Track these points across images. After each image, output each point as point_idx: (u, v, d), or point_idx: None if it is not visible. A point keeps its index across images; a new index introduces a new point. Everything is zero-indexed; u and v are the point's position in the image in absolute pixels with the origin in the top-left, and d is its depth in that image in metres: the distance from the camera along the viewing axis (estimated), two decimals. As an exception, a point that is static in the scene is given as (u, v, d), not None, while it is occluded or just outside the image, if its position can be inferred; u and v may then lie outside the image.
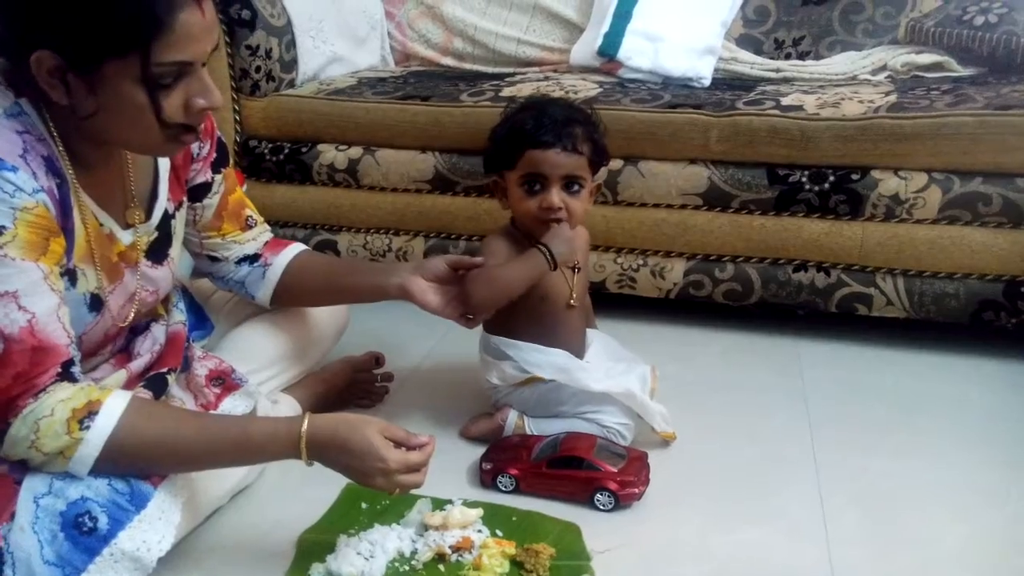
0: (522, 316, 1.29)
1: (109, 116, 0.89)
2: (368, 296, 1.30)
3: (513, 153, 1.24)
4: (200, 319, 1.31)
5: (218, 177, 1.20)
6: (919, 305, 1.63)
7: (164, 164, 1.10)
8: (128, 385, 1.06)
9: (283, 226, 1.93)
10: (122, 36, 0.84)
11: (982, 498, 1.19)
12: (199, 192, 1.18)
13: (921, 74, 1.93)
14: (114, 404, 0.90)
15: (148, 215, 1.08)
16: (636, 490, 1.15)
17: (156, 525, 0.92)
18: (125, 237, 1.04)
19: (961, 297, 1.60)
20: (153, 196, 1.09)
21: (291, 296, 1.28)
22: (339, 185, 1.91)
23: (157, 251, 1.10)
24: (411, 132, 1.83)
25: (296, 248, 1.30)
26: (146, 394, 1.03)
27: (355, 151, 1.89)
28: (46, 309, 0.87)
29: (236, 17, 1.84)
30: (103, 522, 0.88)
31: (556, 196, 1.23)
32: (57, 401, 0.87)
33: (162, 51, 0.85)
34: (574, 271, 1.33)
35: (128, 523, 0.90)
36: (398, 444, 0.97)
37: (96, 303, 1.00)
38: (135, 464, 0.92)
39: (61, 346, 0.89)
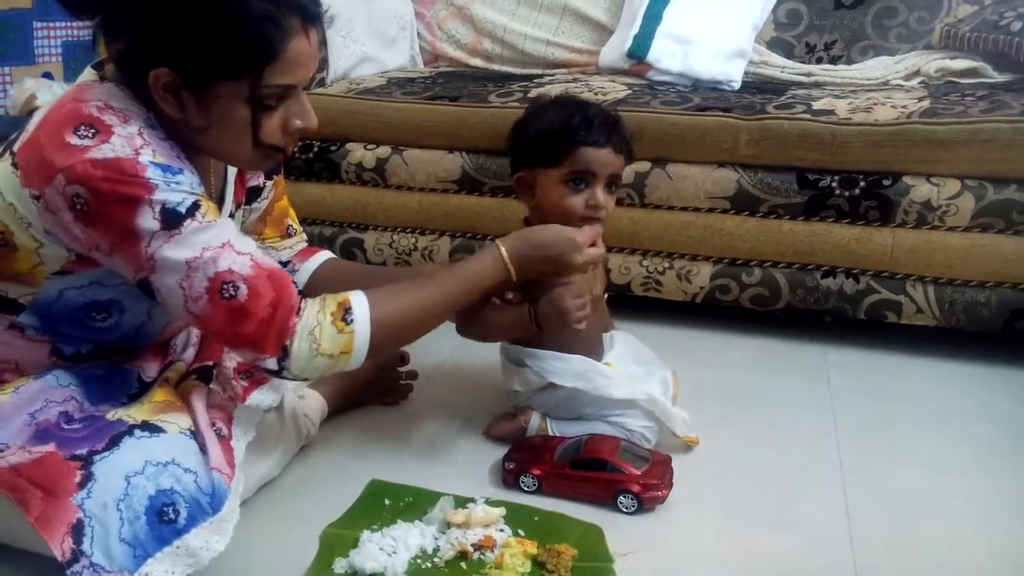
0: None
1: (216, 132, 0.95)
2: None
3: (560, 150, 1.23)
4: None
5: (269, 184, 1.25)
6: (950, 313, 1.60)
7: (232, 168, 1.15)
8: (184, 375, 1.11)
9: (311, 224, 1.95)
10: (239, 60, 0.90)
11: (1011, 509, 1.17)
12: (251, 195, 1.23)
13: (955, 80, 1.91)
14: (358, 296, 1.01)
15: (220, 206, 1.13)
16: (659, 493, 1.15)
17: (221, 527, 0.94)
18: None
19: (993, 306, 1.58)
20: (221, 197, 1.13)
21: None
22: (367, 184, 1.92)
23: None
24: (439, 132, 1.84)
25: (324, 255, 1.33)
26: (200, 385, 1.09)
27: (383, 150, 1.90)
28: (255, 247, 0.96)
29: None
30: (183, 516, 0.91)
31: (602, 194, 1.23)
32: (315, 312, 0.97)
33: (272, 75, 0.92)
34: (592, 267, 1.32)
35: (202, 522, 0.92)
36: None
37: None
38: (400, 334, 1.06)
39: (284, 271, 0.98)
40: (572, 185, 1.23)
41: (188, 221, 0.90)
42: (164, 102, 0.92)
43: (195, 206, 0.91)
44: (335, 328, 0.97)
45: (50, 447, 0.91)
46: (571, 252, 1.14)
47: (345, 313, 0.98)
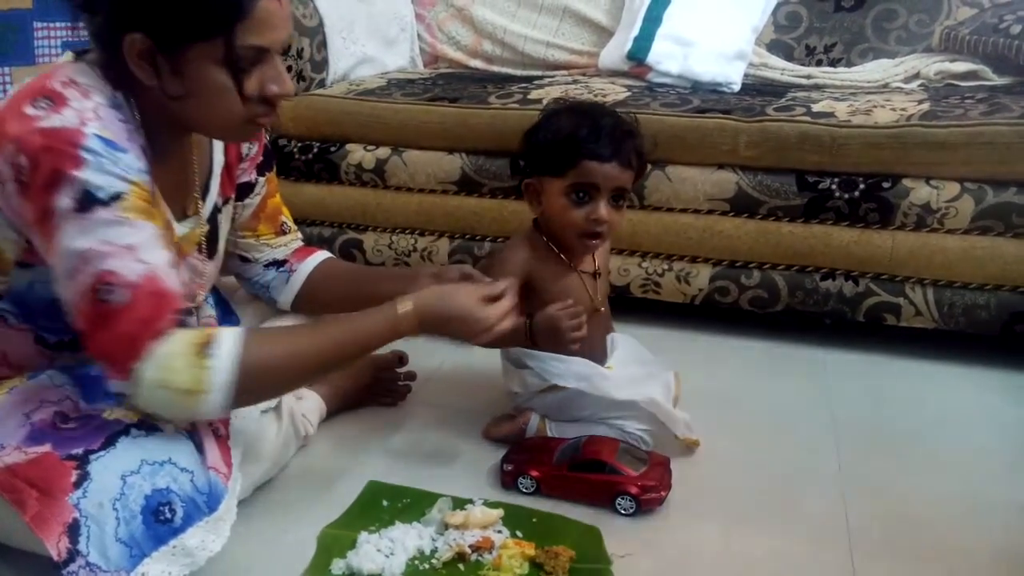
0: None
1: (195, 99, 0.94)
2: None
3: (564, 161, 1.21)
4: (227, 314, 1.32)
5: (261, 180, 1.25)
6: (949, 316, 1.60)
7: (218, 160, 1.15)
8: None
9: (310, 225, 1.95)
10: (208, 19, 0.89)
11: (1012, 512, 1.17)
12: (242, 192, 1.23)
13: (955, 82, 1.91)
14: (228, 333, 0.93)
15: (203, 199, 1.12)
16: (658, 495, 1.14)
17: (218, 526, 0.94)
18: (180, 229, 1.08)
19: (992, 309, 1.57)
20: (205, 189, 1.13)
21: (312, 301, 1.31)
22: (366, 185, 1.92)
23: (209, 244, 1.14)
24: (438, 133, 1.84)
25: (321, 255, 1.33)
26: None
27: (383, 151, 1.90)
28: (163, 261, 0.92)
29: (269, 17, 1.86)
30: (179, 515, 0.91)
31: (604, 209, 1.22)
32: (180, 341, 0.90)
33: (243, 35, 0.91)
34: (594, 277, 1.32)
35: (198, 522, 0.92)
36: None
37: None
38: (270, 384, 0.98)
39: (176, 295, 0.92)
40: (575, 197, 1.22)
41: (100, 209, 0.87)
42: (139, 68, 0.91)
43: (116, 196, 0.88)
44: (190, 361, 0.90)
45: (46, 447, 0.91)
46: (475, 333, 1.07)
47: (208, 347, 0.91)
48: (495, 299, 1.09)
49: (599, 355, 1.33)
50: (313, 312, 1.33)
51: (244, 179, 1.22)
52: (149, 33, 0.89)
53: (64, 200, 0.87)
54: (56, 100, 0.89)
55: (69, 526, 0.86)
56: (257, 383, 0.95)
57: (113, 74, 0.94)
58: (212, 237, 1.15)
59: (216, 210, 1.15)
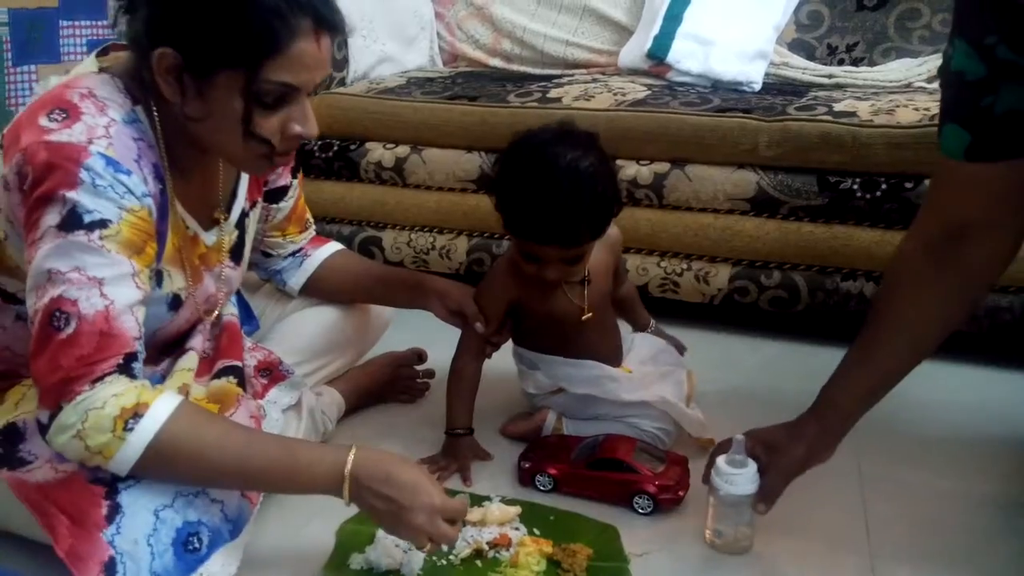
0: (540, 331, 1.29)
1: (212, 123, 0.93)
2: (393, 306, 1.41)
3: (513, 227, 1.18)
4: (247, 316, 1.34)
5: (295, 181, 1.26)
6: (971, 318, 1.59)
7: None
8: (200, 372, 1.09)
9: (329, 222, 1.96)
10: (240, 48, 0.88)
11: (1033, 516, 1.16)
12: (278, 194, 1.24)
13: (979, 82, 1.88)
14: (161, 408, 0.88)
15: (228, 213, 1.12)
16: (675, 495, 1.14)
17: (236, 550, 0.95)
18: (208, 238, 1.08)
19: (1016, 311, 1.56)
20: (232, 195, 1.13)
21: (320, 289, 1.33)
22: (386, 183, 1.93)
23: (237, 251, 1.15)
24: (458, 132, 1.85)
25: (335, 246, 1.35)
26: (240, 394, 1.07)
27: (402, 150, 1.91)
28: (125, 301, 0.89)
29: (290, 15, 1.87)
30: (205, 544, 0.92)
31: (553, 271, 1.19)
32: (110, 395, 0.86)
33: (272, 71, 0.90)
34: (582, 284, 1.27)
35: (221, 547, 0.93)
36: None
37: (176, 303, 1.04)
38: (171, 473, 0.91)
39: (129, 338, 0.89)
40: (524, 255, 1.20)
41: (81, 233, 0.86)
42: (164, 83, 0.90)
43: (102, 223, 0.87)
44: (111, 423, 0.85)
45: (74, 464, 0.91)
46: (419, 508, 0.92)
47: (132, 418, 0.86)
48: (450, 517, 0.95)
49: (608, 356, 1.33)
50: (319, 298, 1.34)
51: (281, 183, 1.23)
52: (180, 50, 0.89)
53: (52, 216, 0.85)
54: (70, 113, 0.88)
55: (106, 564, 0.86)
56: (168, 467, 0.90)
57: (137, 84, 0.94)
58: (239, 242, 1.15)
59: (243, 215, 1.15)
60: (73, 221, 0.86)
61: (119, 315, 0.88)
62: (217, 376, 1.10)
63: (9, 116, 2.16)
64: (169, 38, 0.89)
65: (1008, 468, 1.28)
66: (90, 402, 0.85)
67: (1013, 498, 1.20)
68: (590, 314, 1.28)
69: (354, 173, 1.94)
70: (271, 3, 0.88)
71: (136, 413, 0.87)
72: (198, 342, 1.11)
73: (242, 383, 1.11)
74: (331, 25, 0.93)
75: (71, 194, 0.85)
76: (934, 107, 1.62)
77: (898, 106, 1.64)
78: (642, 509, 1.14)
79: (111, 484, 0.90)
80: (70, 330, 0.85)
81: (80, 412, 0.85)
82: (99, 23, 2.35)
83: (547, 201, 1.12)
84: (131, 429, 0.86)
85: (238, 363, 1.13)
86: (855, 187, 1.61)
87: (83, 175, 0.86)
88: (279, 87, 0.91)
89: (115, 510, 0.89)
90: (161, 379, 1.05)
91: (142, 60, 0.92)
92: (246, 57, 0.89)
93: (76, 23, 2.28)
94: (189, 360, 1.07)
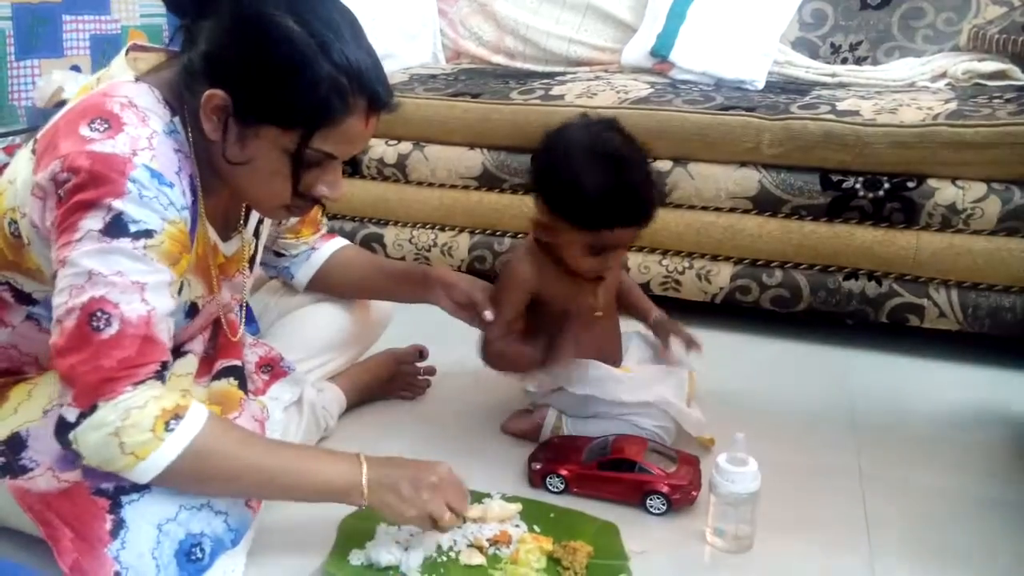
0: (548, 328, 1.29)
1: (248, 170, 0.94)
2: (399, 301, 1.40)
3: (592, 221, 1.16)
4: (248, 318, 1.33)
5: None
6: (973, 318, 1.59)
7: None
8: (200, 372, 1.09)
9: (332, 218, 1.96)
10: (295, 114, 0.89)
11: (1034, 517, 1.16)
12: None
13: (983, 82, 1.88)
14: (199, 413, 0.90)
15: (245, 224, 1.12)
16: (689, 495, 1.14)
17: (238, 555, 0.96)
18: (227, 248, 1.08)
19: (1018, 311, 1.56)
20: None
21: (326, 283, 1.33)
22: (388, 180, 1.93)
23: (251, 259, 1.16)
24: (460, 129, 1.85)
25: (342, 241, 1.36)
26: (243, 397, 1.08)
27: (404, 146, 1.91)
28: (164, 309, 0.89)
29: (293, 11, 1.87)
30: (207, 553, 0.93)
31: (616, 260, 1.22)
32: (151, 396, 0.86)
33: (320, 140, 0.91)
34: (597, 281, 1.28)
35: (223, 554, 0.94)
36: None
37: (193, 311, 1.05)
38: (196, 478, 0.91)
39: (166, 346, 0.90)
40: (592, 250, 1.20)
41: (126, 240, 0.86)
42: (207, 121, 0.91)
43: (147, 233, 0.87)
44: (152, 423, 0.86)
45: (76, 474, 0.91)
46: (425, 484, 0.97)
47: (173, 419, 0.87)
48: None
49: (611, 356, 1.33)
50: (325, 293, 1.35)
51: None
52: (233, 95, 0.89)
53: (94, 220, 0.85)
54: (113, 123, 0.88)
55: None
56: (197, 473, 0.90)
57: (175, 97, 0.94)
58: (254, 250, 1.16)
59: (259, 222, 1.16)
60: (119, 228, 0.86)
61: (159, 323, 0.89)
62: (217, 377, 1.10)
63: (12, 110, 2.16)
64: (224, 81, 0.88)
65: (1008, 468, 1.28)
66: (132, 402, 0.86)
67: (1013, 498, 1.20)
68: (600, 312, 1.29)
69: (356, 170, 1.94)
70: (334, 78, 0.88)
71: (176, 415, 0.88)
72: (197, 344, 1.11)
73: (243, 383, 1.11)
74: (386, 108, 0.95)
75: (117, 203, 0.85)
76: (937, 106, 1.62)
77: (901, 105, 1.64)
78: (655, 510, 1.13)
79: (114, 497, 0.90)
80: (112, 331, 0.85)
81: (121, 411, 0.85)
82: (102, 18, 2.35)
83: (621, 183, 1.14)
84: (172, 430, 0.87)
85: (238, 362, 1.13)
86: (858, 186, 1.61)
87: (129, 186, 0.86)
88: (320, 155, 0.93)
89: (119, 525, 0.89)
90: None
91: (187, 85, 0.92)
92: (299, 123, 0.89)
93: (79, 18, 2.29)
94: (187, 364, 1.07)
